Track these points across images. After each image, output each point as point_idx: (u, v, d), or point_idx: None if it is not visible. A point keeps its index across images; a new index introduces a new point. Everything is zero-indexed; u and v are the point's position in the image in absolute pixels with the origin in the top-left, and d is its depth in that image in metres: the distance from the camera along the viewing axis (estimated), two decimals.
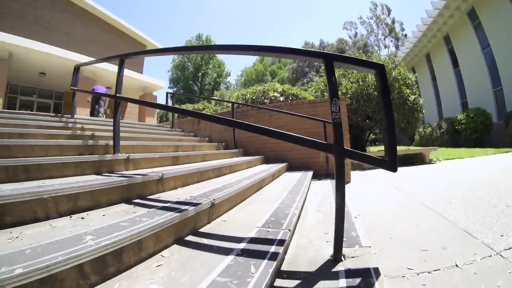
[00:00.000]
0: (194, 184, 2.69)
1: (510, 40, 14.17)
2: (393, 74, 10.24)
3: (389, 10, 41.69)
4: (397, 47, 39.30)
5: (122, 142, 3.23)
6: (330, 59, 1.42)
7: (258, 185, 3.08)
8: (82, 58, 10.44)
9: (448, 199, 3.67)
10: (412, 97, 10.30)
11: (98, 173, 2.34)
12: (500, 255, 1.90)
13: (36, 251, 0.99)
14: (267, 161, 5.67)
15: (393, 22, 41.47)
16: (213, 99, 12.79)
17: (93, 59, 7.16)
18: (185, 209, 1.57)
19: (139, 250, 1.25)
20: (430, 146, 10.11)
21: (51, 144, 2.55)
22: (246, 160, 4.47)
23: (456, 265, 1.79)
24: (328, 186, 3.92)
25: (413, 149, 9.56)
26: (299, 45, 50.17)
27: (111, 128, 3.23)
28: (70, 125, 4.17)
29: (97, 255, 1.04)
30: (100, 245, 1.06)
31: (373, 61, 1.43)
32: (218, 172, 3.31)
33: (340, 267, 1.33)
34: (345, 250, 1.44)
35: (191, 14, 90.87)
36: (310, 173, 4.55)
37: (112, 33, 16.18)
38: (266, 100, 8.78)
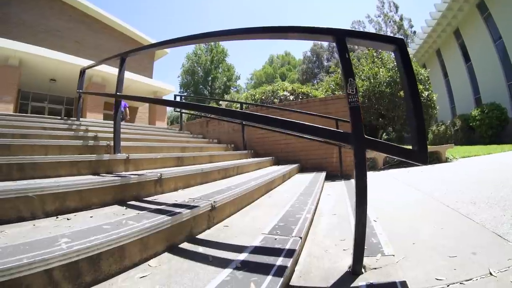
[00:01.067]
0: (197, 186, 2.51)
1: None
2: None
3: (396, 7, 40.66)
4: (406, 44, 38.50)
5: (125, 143, 3.13)
6: (342, 36, 1.23)
7: (267, 187, 2.88)
8: None
9: (471, 198, 3.40)
10: (425, 93, 9.97)
11: (95, 173, 2.20)
12: None
13: (6, 251, 0.88)
14: (277, 162, 5.47)
15: (401, 19, 40.39)
16: (221, 100, 12.78)
17: (102, 64, 7.24)
18: (179, 213, 1.39)
19: (121, 257, 1.07)
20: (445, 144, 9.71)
21: (51, 144, 2.48)
22: (255, 162, 4.29)
23: (490, 273, 1.56)
24: (342, 187, 3.69)
25: (428, 147, 9.19)
26: (307, 47, 49.78)
27: None
28: (74, 127, 4.13)
29: (68, 261, 0.90)
30: (71, 250, 0.92)
31: (391, 35, 1.23)
32: (224, 173, 3.13)
33: (360, 281, 1.10)
34: (365, 260, 1.21)
35: (199, 19, 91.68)
36: (323, 174, 4.33)
37: (122, 41, 16.32)
38: (275, 100, 8.61)
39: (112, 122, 2.91)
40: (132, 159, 2.56)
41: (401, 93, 9.54)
